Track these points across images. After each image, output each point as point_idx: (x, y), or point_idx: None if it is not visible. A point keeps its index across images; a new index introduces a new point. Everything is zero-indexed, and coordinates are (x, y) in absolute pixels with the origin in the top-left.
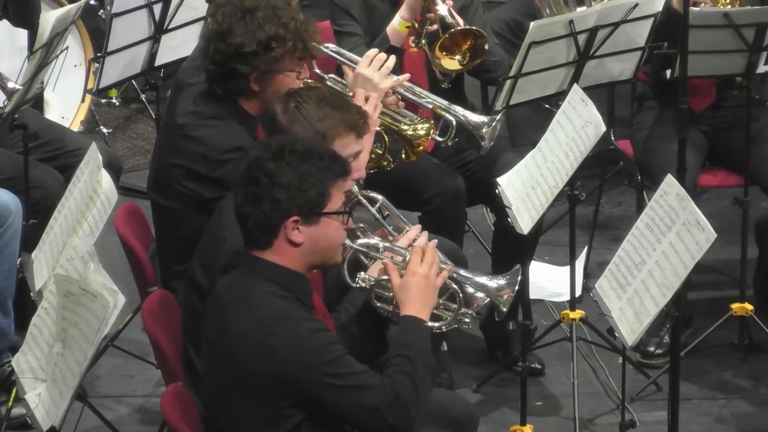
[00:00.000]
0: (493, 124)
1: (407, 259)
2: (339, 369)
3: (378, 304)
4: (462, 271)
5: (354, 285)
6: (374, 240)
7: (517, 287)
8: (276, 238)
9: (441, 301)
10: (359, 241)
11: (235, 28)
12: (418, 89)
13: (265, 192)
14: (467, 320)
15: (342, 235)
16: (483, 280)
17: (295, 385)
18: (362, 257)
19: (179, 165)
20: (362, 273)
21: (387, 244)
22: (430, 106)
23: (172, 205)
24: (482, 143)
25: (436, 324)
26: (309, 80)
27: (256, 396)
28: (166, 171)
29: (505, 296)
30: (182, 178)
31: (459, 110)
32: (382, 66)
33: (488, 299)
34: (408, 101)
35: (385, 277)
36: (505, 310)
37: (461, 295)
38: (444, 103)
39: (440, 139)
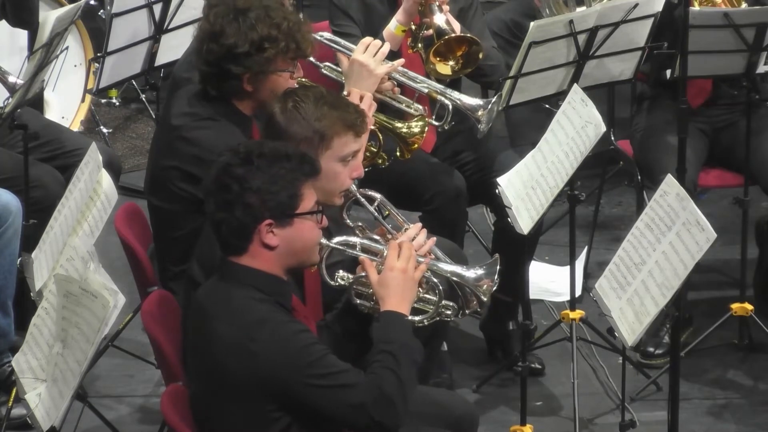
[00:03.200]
0: (489, 106)
1: (385, 254)
2: (321, 369)
3: (358, 302)
4: (440, 264)
5: (333, 283)
6: (353, 238)
7: (496, 277)
8: (251, 243)
9: (421, 295)
10: (336, 239)
11: (227, 28)
12: (412, 74)
13: (236, 198)
14: (449, 312)
15: (317, 235)
16: (461, 270)
17: (279, 388)
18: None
19: (174, 167)
20: (341, 271)
21: (364, 241)
22: (426, 91)
23: (168, 206)
24: (479, 126)
25: (418, 318)
26: (303, 79)
27: (242, 401)
28: (162, 172)
29: (485, 286)
30: (177, 179)
31: (454, 94)
32: (377, 52)
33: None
34: (404, 86)
35: (364, 274)
36: (485, 299)
37: (440, 287)
38: (439, 87)
39: (437, 123)
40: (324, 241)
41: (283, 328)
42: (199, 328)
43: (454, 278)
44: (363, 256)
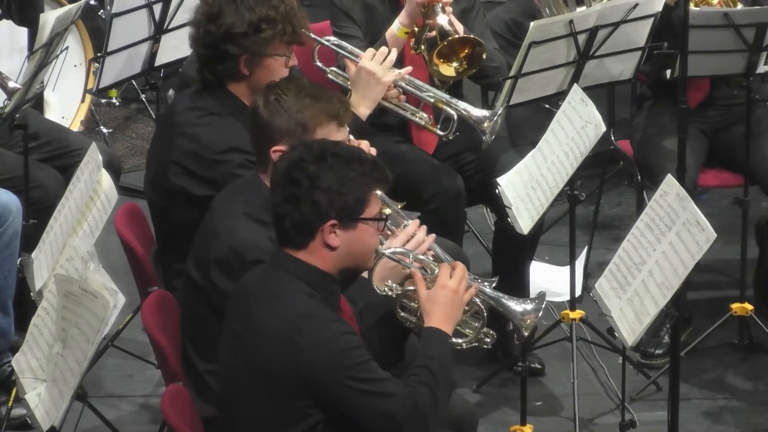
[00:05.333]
0: (495, 118)
1: (435, 272)
2: (363, 373)
3: (402, 314)
4: (488, 290)
5: (380, 292)
6: (404, 249)
7: (540, 313)
8: (312, 240)
9: (465, 318)
10: (390, 249)
11: (225, 9)
12: (419, 82)
13: (305, 194)
14: (488, 340)
15: (376, 242)
16: (510, 302)
17: (319, 385)
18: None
19: (173, 161)
20: (389, 281)
21: (419, 256)
22: (432, 100)
23: (165, 202)
24: (483, 138)
25: (458, 340)
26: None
27: (277, 393)
28: (163, 168)
29: (529, 321)
30: (174, 174)
31: (460, 104)
32: (384, 59)
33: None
34: (409, 95)
35: (412, 288)
36: (526, 334)
37: (486, 313)
38: (445, 96)
39: (441, 133)
40: (379, 248)
41: (330, 326)
42: (241, 315)
43: (500, 309)
44: (415, 270)
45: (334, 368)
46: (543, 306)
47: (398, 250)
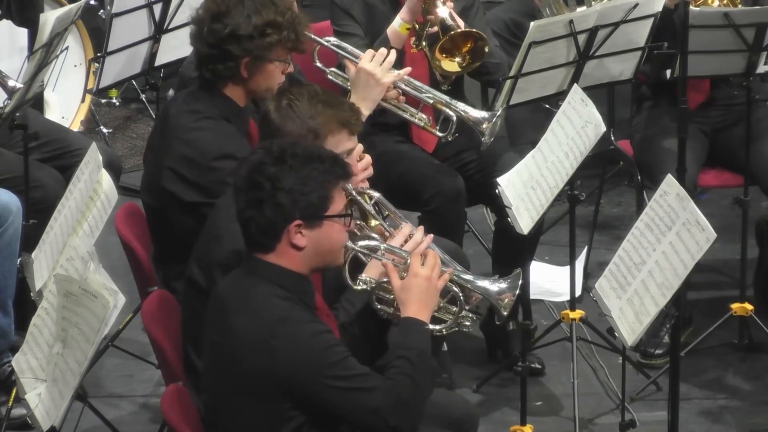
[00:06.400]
0: (494, 119)
1: (408, 261)
2: (342, 371)
3: (379, 306)
4: (463, 274)
5: (355, 287)
6: (375, 242)
7: (518, 291)
8: (279, 242)
9: (442, 304)
10: (360, 243)
11: (232, 9)
12: (418, 84)
13: (267, 197)
14: (467, 323)
15: (344, 238)
16: (484, 283)
17: (298, 387)
18: (362, 257)
19: (168, 167)
20: (364, 275)
21: (388, 246)
22: (431, 101)
23: (158, 206)
24: (482, 139)
25: (437, 326)
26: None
27: (259, 397)
28: (157, 172)
29: (506, 300)
30: (167, 180)
31: (459, 105)
32: (384, 61)
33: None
34: (409, 96)
35: (386, 279)
36: (505, 313)
37: (462, 297)
38: (444, 98)
39: (441, 134)
40: (349, 244)
41: (305, 327)
42: (218, 322)
43: (477, 291)
44: (386, 261)
45: (312, 369)
46: (519, 283)
47: (371, 243)
